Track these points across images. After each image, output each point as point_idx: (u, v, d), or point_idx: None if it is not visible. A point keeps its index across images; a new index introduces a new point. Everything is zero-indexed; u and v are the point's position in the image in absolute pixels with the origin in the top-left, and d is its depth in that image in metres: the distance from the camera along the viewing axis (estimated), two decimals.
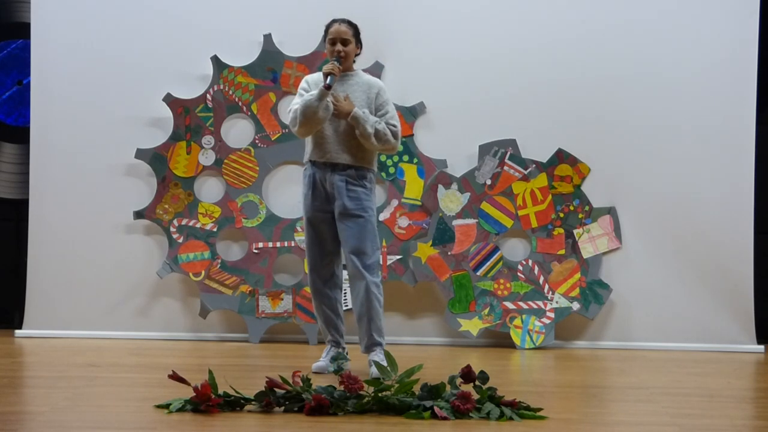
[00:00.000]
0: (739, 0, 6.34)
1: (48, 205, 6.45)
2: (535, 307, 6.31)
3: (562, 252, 6.35)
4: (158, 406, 4.17)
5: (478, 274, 6.34)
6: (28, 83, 6.56)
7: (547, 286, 6.32)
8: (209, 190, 6.46)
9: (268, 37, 6.40)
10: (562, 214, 6.36)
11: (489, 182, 6.37)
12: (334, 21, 5.23)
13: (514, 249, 6.44)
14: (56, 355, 5.73)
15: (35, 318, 6.44)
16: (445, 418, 4.05)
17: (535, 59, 6.38)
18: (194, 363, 5.51)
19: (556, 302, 6.30)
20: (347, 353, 5.26)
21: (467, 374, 4.25)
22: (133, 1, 6.46)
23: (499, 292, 6.33)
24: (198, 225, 6.39)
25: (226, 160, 6.41)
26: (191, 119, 6.40)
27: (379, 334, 5.15)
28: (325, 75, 5.05)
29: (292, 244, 6.38)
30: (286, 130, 6.41)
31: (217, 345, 6.25)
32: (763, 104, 6.48)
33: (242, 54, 6.43)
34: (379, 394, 4.15)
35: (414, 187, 6.38)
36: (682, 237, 6.34)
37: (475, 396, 4.19)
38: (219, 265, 6.37)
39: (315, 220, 5.21)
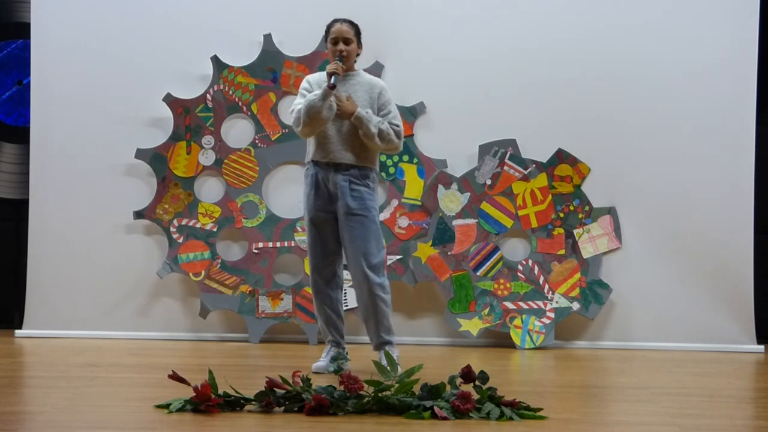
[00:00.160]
0: (739, 0, 6.34)
1: (48, 205, 6.45)
2: (535, 307, 6.31)
3: (562, 252, 6.35)
4: (158, 406, 4.17)
5: (478, 274, 6.34)
6: (28, 83, 6.56)
7: (547, 286, 6.32)
8: (209, 190, 6.46)
9: (268, 37, 6.40)
10: (562, 214, 6.36)
11: (489, 182, 6.37)
12: (335, 21, 5.23)
13: (514, 249, 6.44)
14: (56, 355, 5.73)
15: (35, 318, 6.44)
16: (445, 418, 4.05)
17: (535, 59, 6.39)
18: (194, 363, 5.51)
19: (556, 302, 6.30)
20: (347, 353, 5.26)
21: (467, 374, 4.25)
22: (133, 1, 6.46)
23: (499, 292, 6.33)
24: (198, 225, 6.39)
25: (226, 160, 6.41)
26: (191, 119, 6.40)
27: (388, 332, 5.18)
28: (329, 75, 5.04)
29: (292, 244, 6.38)
30: (286, 130, 6.41)
31: (217, 345, 6.25)
32: (763, 104, 6.48)
33: (242, 54, 6.43)
34: (379, 394, 4.15)
35: (414, 187, 6.38)
36: (682, 237, 6.34)
37: (475, 396, 4.19)
38: (219, 265, 6.37)
39: (317, 220, 5.21)
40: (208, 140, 6.41)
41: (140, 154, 6.38)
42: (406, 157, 6.37)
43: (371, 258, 5.13)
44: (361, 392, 4.17)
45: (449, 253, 6.35)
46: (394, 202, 6.36)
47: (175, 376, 4.27)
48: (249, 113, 6.42)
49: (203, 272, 6.37)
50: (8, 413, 4.05)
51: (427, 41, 6.40)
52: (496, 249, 6.36)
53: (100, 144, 6.44)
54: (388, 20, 6.34)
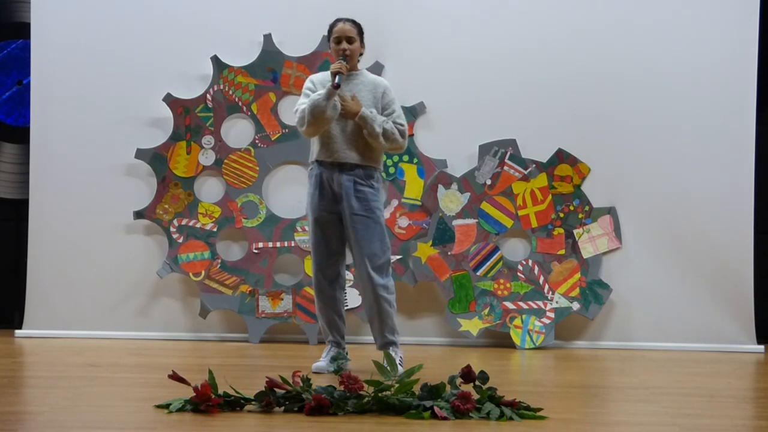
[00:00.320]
0: (739, 0, 6.34)
1: (48, 205, 6.45)
2: (535, 307, 6.31)
3: (562, 252, 6.35)
4: (158, 406, 4.17)
5: (478, 274, 6.34)
6: (28, 83, 6.56)
7: (547, 286, 6.32)
8: (209, 190, 6.46)
9: (268, 37, 6.40)
10: (562, 214, 6.36)
11: (489, 182, 6.37)
12: (338, 20, 5.23)
13: (514, 249, 6.44)
14: (56, 355, 5.73)
15: (35, 318, 6.44)
16: (445, 418, 4.04)
17: (535, 59, 6.39)
18: (194, 363, 5.51)
19: (556, 302, 6.30)
20: (347, 353, 5.26)
21: (467, 374, 4.25)
22: (133, 1, 6.46)
23: (499, 292, 6.33)
24: (198, 225, 6.39)
25: (226, 160, 6.41)
26: (191, 119, 6.40)
27: (392, 333, 5.20)
28: (333, 74, 5.04)
29: (292, 244, 6.38)
30: (286, 130, 6.41)
31: (217, 345, 6.25)
32: (763, 104, 6.48)
33: (242, 54, 6.43)
34: (379, 394, 4.15)
35: (414, 187, 6.38)
36: (682, 237, 6.34)
37: (475, 396, 4.19)
38: (219, 265, 6.37)
39: (321, 220, 5.20)
40: (208, 140, 6.41)
41: (140, 154, 6.38)
42: (406, 157, 6.37)
43: (375, 259, 5.13)
44: (361, 392, 4.17)
45: (449, 253, 6.35)
46: (394, 202, 6.36)
47: (175, 376, 4.27)
48: (249, 113, 6.42)
49: (203, 272, 6.37)
50: (8, 413, 4.05)
51: (427, 41, 6.40)
52: (496, 249, 6.36)
53: (100, 144, 6.44)
54: (388, 20, 6.34)
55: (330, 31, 5.22)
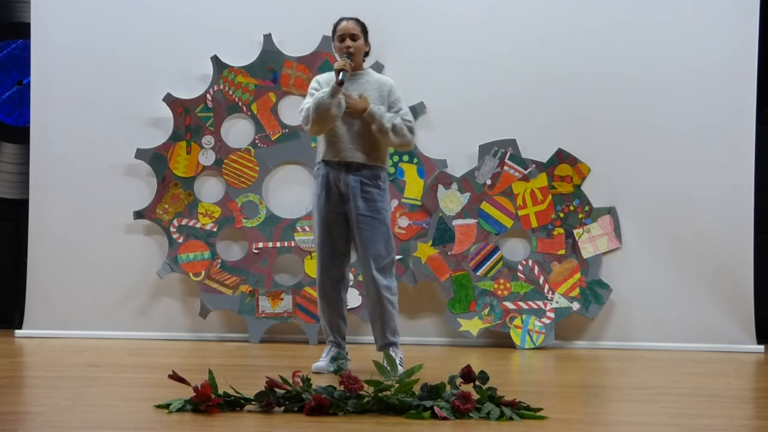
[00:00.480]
0: (739, 0, 6.34)
1: (48, 205, 6.45)
2: (535, 307, 6.31)
3: (562, 252, 6.35)
4: (158, 406, 4.17)
5: (478, 274, 6.34)
6: (28, 83, 6.56)
7: (547, 286, 6.32)
8: (209, 190, 6.46)
9: (268, 37, 6.40)
10: (562, 214, 6.36)
11: (489, 182, 6.37)
12: (342, 19, 5.23)
13: (514, 249, 6.44)
14: (56, 355, 5.73)
15: (35, 318, 6.44)
16: (445, 418, 4.04)
17: (535, 59, 6.39)
18: (194, 363, 5.51)
19: (556, 302, 6.30)
20: (347, 353, 5.26)
21: (467, 374, 4.25)
22: (133, 1, 6.46)
23: (499, 292, 6.33)
24: (198, 225, 6.39)
25: (226, 160, 6.41)
26: (191, 119, 6.40)
27: (393, 334, 5.20)
28: (337, 71, 5.04)
29: (292, 244, 6.38)
30: (286, 130, 6.41)
31: (217, 345, 6.25)
32: (763, 104, 6.48)
33: (242, 54, 6.43)
34: (379, 394, 4.15)
35: (414, 187, 6.38)
36: (682, 237, 6.34)
37: (475, 396, 4.19)
38: (219, 265, 6.37)
39: (328, 220, 5.19)
40: (208, 140, 6.41)
41: (140, 154, 6.38)
42: (406, 157, 6.37)
43: (380, 260, 5.13)
44: (361, 392, 4.17)
45: (449, 253, 6.35)
46: (394, 202, 6.36)
47: (175, 376, 4.27)
48: (249, 113, 6.42)
49: (203, 272, 6.37)
50: (8, 413, 4.05)
51: (427, 41, 6.40)
52: (496, 249, 6.36)
53: (100, 144, 6.44)
54: (388, 20, 6.33)
55: (334, 30, 5.22)
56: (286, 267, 6.45)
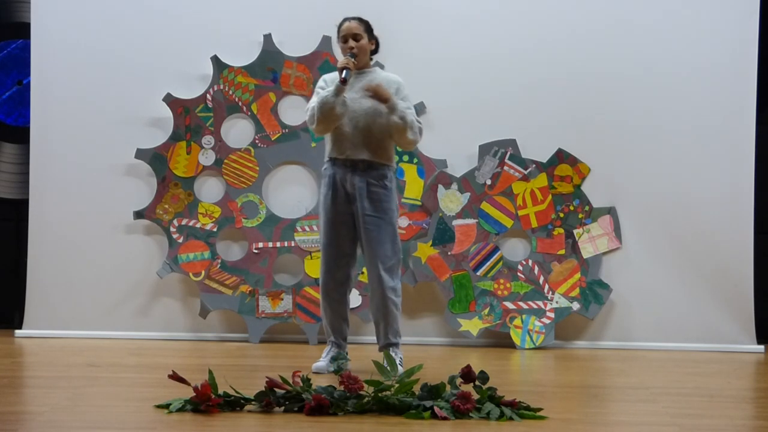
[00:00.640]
0: (739, 0, 6.34)
1: (48, 205, 6.45)
2: (535, 307, 6.31)
3: (562, 252, 6.35)
4: (158, 406, 4.17)
5: (478, 274, 6.34)
6: (28, 83, 6.56)
7: (547, 286, 6.32)
8: (209, 190, 6.46)
9: (268, 37, 6.40)
10: (562, 214, 6.36)
11: (489, 182, 6.37)
12: (345, 19, 5.22)
13: (514, 249, 6.44)
14: (56, 355, 5.73)
15: (35, 318, 6.44)
16: (445, 418, 4.04)
17: (535, 59, 6.39)
18: (194, 363, 5.51)
19: (556, 302, 6.30)
20: (347, 353, 5.26)
21: (467, 374, 4.25)
22: (133, 1, 6.46)
23: (499, 292, 6.33)
24: (198, 225, 6.39)
25: (226, 160, 6.41)
26: (191, 119, 6.40)
27: (395, 335, 5.21)
28: (340, 70, 5.04)
29: (292, 244, 6.38)
30: (286, 130, 6.41)
31: (217, 345, 6.25)
32: (763, 104, 6.48)
33: (242, 54, 6.43)
34: (379, 394, 4.15)
35: (414, 187, 6.38)
36: (682, 237, 6.34)
37: (475, 396, 4.19)
38: (219, 265, 6.37)
39: (334, 221, 5.17)
40: (208, 140, 6.41)
41: (140, 154, 6.38)
42: (406, 157, 6.37)
43: (387, 260, 5.13)
44: (361, 392, 4.17)
45: (449, 253, 6.35)
46: None
47: (175, 376, 4.27)
48: (249, 113, 6.42)
49: (203, 272, 6.37)
50: (8, 413, 4.05)
51: (427, 41, 6.40)
52: (496, 249, 6.36)
53: (100, 144, 6.44)
54: (388, 20, 6.32)
55: (338, 31, 5.21)
56: (286, 267, 6.45)
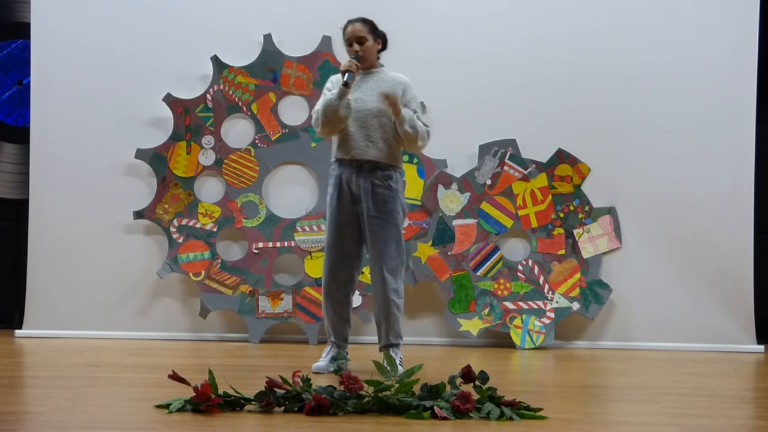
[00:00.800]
0: (739, 0, 6.34)
1: (48, 205, 6.45)
2: (535, 307, 6.31)
3: (562, 252, 6.35)
4: (158, 406, 4.17)
5: (478, 274, 6.34)
6: (28, 83, 6.56)
7: (547, 286, 6.32)
8: (209, 190, 6.46)
9: (268, 37, 6.40)
10: (562, 214, 6.36)
11: (489, 182, 6.37)
12: (348, 22, 5.21)
13: (514, 249, 6.44)
14: (56, 355, 5.73)
15: (35, 318, 6.44)
16: (445, 418, 4.04)
17: (535, 59, 6.38)
18: (194, 363, 5.51)
19: (556, 302, 6.30)
20: (347, 353, 5.25)
21: (467, 374, 4.25)
22: (133, 1, 6.46)
23: (499, 292, 6.33)
24: (198, 225, 6.39)
25: (226, 160, 6.41)
26: (191, 119, 6.40)
27: (396, 337, 5.20)
28: (343, 72, 5.04)
29: (292, 244, 6.38)
30: (286, 130, 6.41)
31: (217, 345, 6.25)
32: (763, 104, 6.48)
33: (242, 54, 6.42)
34: (379, 394, 4.15)
35: (414, 187, 6.38)
36: (682, 237, 6.34)
37: (475, 396, 4.19)
38: (219, 265, 6.37)
39: (339, 221, 5.17)
40: (208, 140, 6.41)
41: (140, 154, 6.38)
42: (405, 157, 6.35)
43: (390, 261, 5.12)
44: (361, 392, 4.17)
45: (449, 253, 6.35)
46: None
47: (175, 376, 4.27)
48: (249, 113, 6.42)
49: (203, 272, 6.37)
50: (8, 413, 4.05)
51: (427, 41, 6.40)
52: (496, 249, 6.36)
53: (100, 144, 6.44)
54: (388, 20, 6.29)
55: (342, 34, 5.21)
56: (286, 267, 6.45)
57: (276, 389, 4.17)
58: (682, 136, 6.36)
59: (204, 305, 6.36)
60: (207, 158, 6.42)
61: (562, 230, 6.36)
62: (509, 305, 6.32)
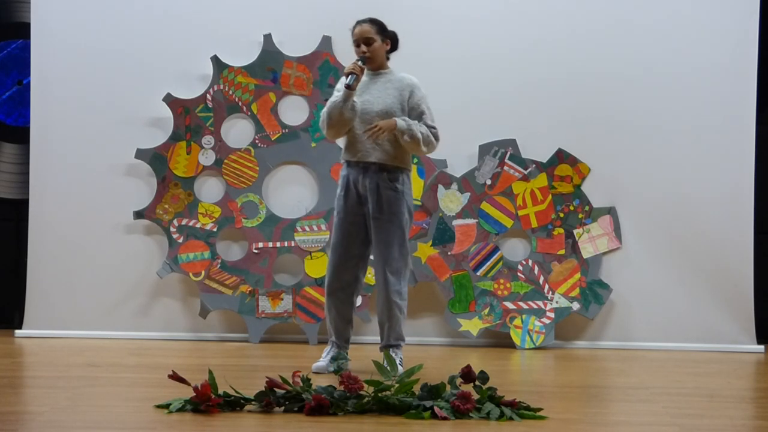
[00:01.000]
0: (739, 0, 6.34)
1: (48, 205, 6.45)
2: (535, 307, 6.31)
3: (562, 252, 6.35)
4: (158, 406, 4.17)
5: (478, 274, 6.34)
6: (28, 83, 6.56)
7: (547, 286, 6.32)
8: (209, 190, 6.46)
9: (268, 37, 6.40)
10: (562, 214, 6.36)
11: (489, 182, 6.37)
12: (357, 23, 5.20)
13: (514, 249, 6.44)
14: (56, 355, 5.73)
15: (35, 318, 6.44)
16: (445, 418, 4.04)
17: (535, 59, 6.39)
18: (194, 363, 5.51)
19: (556, 302, 6.30)
20: (347, 353, 5.25)
21: (467, 374, 4.25)
22: (133, 1, 6.46)
23: (499, 292, 6.33)
24: (198, 225, 6.39)
25: (226, 160, 6.41)
26: (191, 119, 6.40)
27: (397, 338, 5.20)
28: (346, 75, 5.04)
29: (292, 244, 6.38)
30: (286, 130, 6.41)
31: (217, 345, 6.25)
32: (763, 104, 6.48)
33: (242, 54, 6.42)
34: (379, 394, 4.15)
35: (414, 187, 6.33)
36: (682, 237, 6.34)
37: (475, 396, 4.19)
38: (219, 265, 6.37)
39: (346, 221, 5.17)
40: (208, 140, 6.41)
41: (140, 154, 6.38)
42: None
43: (393, 262, 5.12)
44: (361, 392, 4.17)
45: (449, 253, 6.35)
46: None
47: (175, 376, 4.27)
48: (249, 113, 6.42)
49: (203, 272, 6.37)
50: (8, 413, 4.05)
51: (427, 41, 6.39)
52: (496, 249, 6.36)
53: (100, 144, 6.44)
54: (388, 20, 6.29)
55: (351, 34, 5.20)
56: (286, 267, 6.45)
57: (276, 389, 4.17)
58: (682, 136, 6.36)
59: (204, 305, 6.36)
60: (207, 158, 6.42)
61: (562, 230, 6.36)
62: (509, 305, 6.32)
